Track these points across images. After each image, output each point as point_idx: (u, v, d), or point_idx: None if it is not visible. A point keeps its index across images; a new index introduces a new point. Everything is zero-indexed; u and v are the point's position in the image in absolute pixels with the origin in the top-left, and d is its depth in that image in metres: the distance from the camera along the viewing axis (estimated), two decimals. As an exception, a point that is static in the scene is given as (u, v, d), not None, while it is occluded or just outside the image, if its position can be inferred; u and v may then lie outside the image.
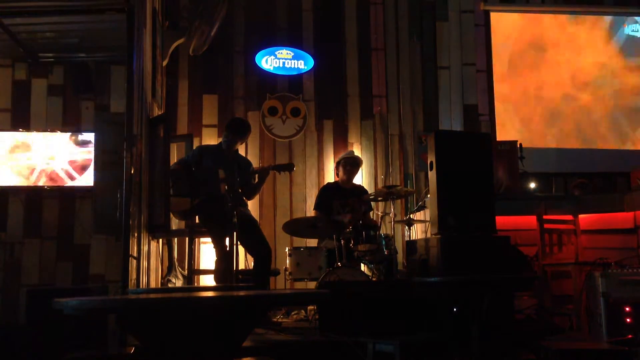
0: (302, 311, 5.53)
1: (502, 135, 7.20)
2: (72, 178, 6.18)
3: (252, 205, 6.14)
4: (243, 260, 5.68)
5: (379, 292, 4.42)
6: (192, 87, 7.04)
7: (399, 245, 6.25)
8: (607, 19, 7.80)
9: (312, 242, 6.05)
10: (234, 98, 7.08)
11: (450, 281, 4.00)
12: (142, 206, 4.94)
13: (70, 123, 6.44)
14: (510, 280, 4.13)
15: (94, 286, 5.68)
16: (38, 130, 6.27)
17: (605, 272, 4.44)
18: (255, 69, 7.13)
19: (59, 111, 6.47)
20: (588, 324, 4.61)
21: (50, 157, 6.17)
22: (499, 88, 7.46)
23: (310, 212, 6.50)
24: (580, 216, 5.34)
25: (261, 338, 4.21)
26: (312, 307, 5.09)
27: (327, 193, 6.05)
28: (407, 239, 5.67)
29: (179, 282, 5.76)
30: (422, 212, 6.03)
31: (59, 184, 6.15)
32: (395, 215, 5.65)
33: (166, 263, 5.98)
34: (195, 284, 5.80)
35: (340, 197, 5.92)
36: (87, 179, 6.17)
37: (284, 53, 7.15)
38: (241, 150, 6.31)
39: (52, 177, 6.15)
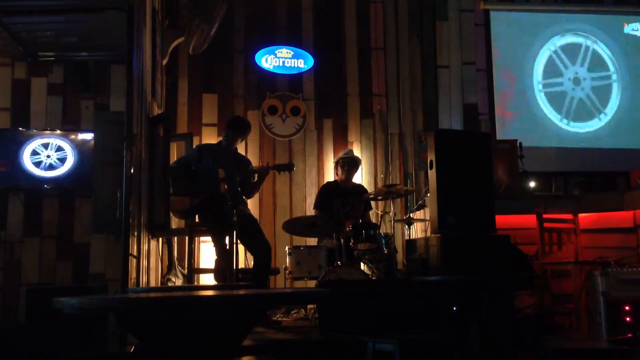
0: (302, 310, 5.53)
1: (501, 134, 7.21)
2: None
3: (252, 204, 6.14)
4: (243, 259, 5.68)
5: (378, 291, 4.42)
6: (191, 86, 7.04)
7: (399, 244, 6.25)
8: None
9: (312, 241, 6.05)
10: (233, 97, 7.08)
11: (450, 280, 4.01)
12: (141, 205, 4.94)
13: (70, 122, 6.43)
14: (510, 279, 4.13)
15: (94, 285, 5.68)
16: (38, 129, 6.27)
17: (605, 271, 4.45)
18: (255, 68, 7.12)
19: (59, 110, 6.46)
20: (588, 323, 4.62)
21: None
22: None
23: (310, 211, 6.50)
24: (580, 215, 5.34)
25: (261, 337, 4.21)
26: (312, 306, 5.09)
27: (326, 192, 6.05)
28: (407, 238, 5.68)
29: (178, 281, 5.76)
30: (421, 211, 6.03)
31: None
32: (395, 214, 5.65)
33: (166, 262, 5.99)
34: (195, 283, 5.80)
35: (340, 197, 5.92)
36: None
37: (284, 52, 7.15)
38: (241, 149, 6.32)
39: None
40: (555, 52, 7.64)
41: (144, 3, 5.16)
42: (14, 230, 6.15)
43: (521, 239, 5.14)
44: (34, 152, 6.15)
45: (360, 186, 6.31)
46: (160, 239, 5.84)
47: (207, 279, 6.01)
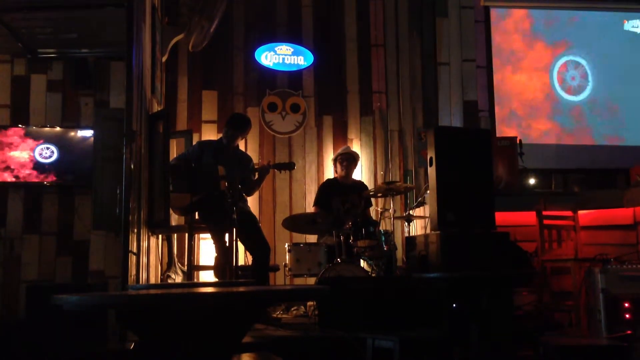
0: (302, 307, 5.54)
1: (501, 130, 7.21)
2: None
3: (252, 202, 6.14)
4: (242, 256, 5.68)
5: (378, 288, 4.43)
6: (191, 83, 7.03)
7: (399, 241, 6.26)
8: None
9: (312, 238, 6.05)
10: (233, 94, 7.08)
11: (450, 277, 4.01)
12: (141, 202, 4.94)
13: (69, 119, 6.43)
14: (509, 276, 4.13)
15: (94, 282, 5.69)
16: (37, 125, 6.27)
17: (605, 268, 4.45)
18: (255, 65, 7.12)
19: (58, 107, 6.46)
20: (587, 320, 4.62)
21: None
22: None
23: (310, 208, 6.50)
24: (580, 212, 5.34)
25: (261, 334, 4.21)
26: (312, 303, 5.09)
27: (326, 189, 6.05)
28: (406, 235, 5.68)
29: (178, 278, 5.76)
30: (421, 208, 6.04)
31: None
32: (394, 211, 5.65)
33: (166, 259, 5.99)
34: (195, 280, 5.81)
35: (339, 194, 5.92)
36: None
37: (284, 49, 7.14)
38: (241, 146, 6.31)
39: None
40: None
41: (144, 0, 5.15)
42: (14, 226, 6.16)
43: (521, 236, 5.14)
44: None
45: (360, 183, 6.31)
46: (160, 236, 5.84)
47: (207, 276, 6.02)
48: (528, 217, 5.22)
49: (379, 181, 6.80)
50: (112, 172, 5.76)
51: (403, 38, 7.42)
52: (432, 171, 4.28)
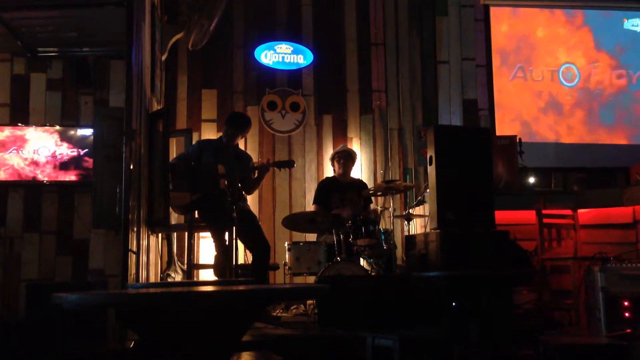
0: (302, 305, 5.54)
1: (501, 130, 7.21)
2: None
3: (252, 200, 6.14)
4: (242, 254, 5.68)
5: (378, 286, 4.43)
6: (191, 81, 7.03)
7: (398, 240, 6.26)
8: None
9: (312, 237, 6.05)
10: (233, 93, 7.08)
11: (450, 276, 4.01)
12: (141, 201, 4.94)
13: (69, 118, 6.43)
14: (509, 275, 4.13)
15: (94, 281, 5.68)
16: (37, 125, 6.26)
17: (604, 266, 4.44)
18: (255, 64, 7.12)
19: (58, 106, 6.46)
20: (587, 318, 4.62)
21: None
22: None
23: (310, 206, 6.50)
24: (580, 211, 5.34)
25: (260, 332, 4.21)
26: (311, 301, 5.10)
27: (325, 187, 6.05)
28: (406, 233, 5.68)
29: (178, 277, 5.76)
30: (421, 206, 6.04)
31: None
32: (394, 210, 5.65)
33: (166, 258, 5.99)
34: (195, 279, 5.81)
35: (338, 191, 5.92)
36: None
37: (284, 48, 7.14)
38: (241, 145, 6.31)
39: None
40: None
41: (144, -2, 5.15)
42: (14, 225, 6.16)
43: (520, 235, 5.14)
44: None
45: (359, 181, 6.31)
46: (160, 235, 5.84)
47: (207, 275, 6.02)
48: (528, 216, 5.22)
49: (379, 180, 6.80)
50: (112, 170, 5.75)
51: (403, 37, 7.41)
52: (431, 170, 4.28)
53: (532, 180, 6.30)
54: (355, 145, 7.00)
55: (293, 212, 6.58)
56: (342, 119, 7.18)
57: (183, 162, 5.35)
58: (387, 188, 5.57)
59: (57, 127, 6.28)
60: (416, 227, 6.20)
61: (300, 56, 7.15)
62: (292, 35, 7.23)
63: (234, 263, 4.70)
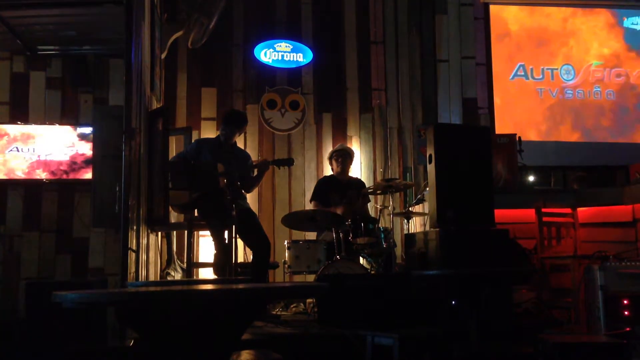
0: (301, 304, 5.54)
1: (501, 128, 7.21)
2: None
3: (251, 198, 6.14)
4: (242, 253, 5.68)
5: (377, 285, 4.43)
6: (190, 80, 7.03)
7: (398, 239, 6.26)
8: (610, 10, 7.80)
9: (311, 235, 6.05)
10: (232, 91, 7.07)
11: (449, 274, 4.01)
12: (141, 199, 4.94)
13: (68, 116, 6.43)
14: (508, 273, 4.14)
15: (93, 279, 5.68)
16: (37, 123, 6.26)
17: (604, 265, 4.44)
18: (254, 62, 7.11)
19: (58, 104, 6.46)
20: (586, 317, 4.62)
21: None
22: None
23: (309, 205, 6.49)
24: (579, 209, 5.34)
25: (260, 331, 4.22)
26: (311, 300, 5.10)
27: (324, 185, 6.04)
28: (405, 232, 5.68)
29: (178, 275, 5.76)
30: (420, 205, 6.04)
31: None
32: (394, 208, 5.65)
33: (165, 256, 5.99)
34: (195, 277, 5.81)
35: (337, 190, 5.91)
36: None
37: (283, 46, 7.14)
38: (240, 143, 6.31)
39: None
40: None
41: (143, -4, 5.15)
42: (14, 224, 6.16)
43: (520, 233, 5.14)
44: None
45: (357, 179, 6.31)
46: (160, 233, 5.84)
47: (206, 273, 6.02)
48: (527, 214, 5.23)
49: (378, 178, 6.80)
50: (111, 169, 5.76)
51: (402, 35, 7.41)
52: (431, 168, 4.28)
53: (531, 178, 6.31)
54: (354, 144, 7.00)
55: (293, 210, 6.57)
56: (341, 117, 7.18)
57: (182, 161, 5.34)
58: (386, 186, 5.57)
59: (57, 125, 6.27)
60: (416, 225, 6.20)
61: (300, 54, 7.15)
62: (292, 34, 7.23)
63: (233, 261, 4.70)
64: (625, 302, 4.33)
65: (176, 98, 6.95)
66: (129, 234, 4.48)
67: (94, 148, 6.08)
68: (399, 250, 5.91)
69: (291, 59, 7.14)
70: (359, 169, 6.97)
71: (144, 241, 5.01)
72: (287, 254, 5.39)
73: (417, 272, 4.32)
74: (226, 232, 4.77)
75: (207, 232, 5.49)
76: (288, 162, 5.32)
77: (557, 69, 7.60)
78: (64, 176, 6.19)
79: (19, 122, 6.23)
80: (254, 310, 2.50)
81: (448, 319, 3.98)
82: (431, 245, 4.18)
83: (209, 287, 2.70)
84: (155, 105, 5.97)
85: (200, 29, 6.58)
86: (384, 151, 7.15)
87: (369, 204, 6.21)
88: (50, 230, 6.21)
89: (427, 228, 5.19)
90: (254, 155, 6.11)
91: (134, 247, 4.61)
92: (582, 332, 4.54)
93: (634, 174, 5.87)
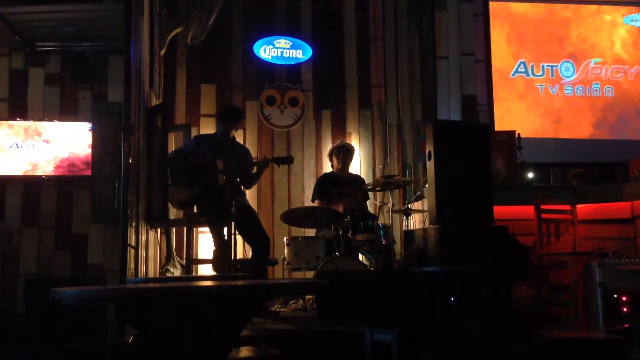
0: (300, 300, 5.54)
1: (500, 125, 7.21)
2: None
3: (251, 195, 6.14)
4: (241, 249, 5.68)
5: (376, 281, 4.43)
6: (190, 76, 7.01)
7: (397, 235, 6.26)
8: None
9: (310, 232, 6.06)
10: (232, 88, 7.06)
11: (448, 271, 4.02)
12: (140, 196, 4.94)
13: (67, 112, 6.41)
14: (507, 270, 4.15)
15: (93, 275, 5.69)
16: (35, 119, 6.25)
17: (603, 262, 4.45)
18: (254, 59, 7.10)
19: (57, 100, 6.44)
20: (585, 313, 4.63)
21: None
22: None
23: (309, 201, 6.50)
24: (578, 206, 5.34)
25: (259, 327, 4.22)
26: (310, 296, 5.10)
27: (324, 182, 6.05)
28: (405, 228, 5.69)
29: (177, 272, 5.77)
30: (420, 202, 6.04)
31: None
32: (393, 205, 5.65)
33: (164, 252, 5.99)
34: (194, 274, 5.81)
35: (337, 187, 5.92)
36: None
37: (282, 42, 7.13)
38: (239, 140, 6.30)
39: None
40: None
41: (142, -7, 5.14)
42: (12, 220, 6.15)
43: (519, 230, 5.15)
44: None
45: (357, 176, 6.31)
46: (159, 230, 5.84)
47: (206, 270, 6.01)
48: (526, 211, 5.23)
49: (378, 175, 6.80)
50: (110, 165, 5.76)
51: (402, 32, 7.40)
52: (430, 165, 4.29)
53: (530, 175, 6.32)
54: (354, 141, 7.00)
55: (292, 207, 6.58)
56: (341, 114, 7.17)
57: (181, 157, 5.34)
58: (385, 183, 5.57)
59: (55, 122, 6.27)
60: (415, 222, 6.21)
61: (299, 51, 7.14)
62: (291, 30, 7.21)
63: (232, 258, 4.71)
64: (623, 298, 4.34)
65: (175, 94, 6.94)
66: (128, 231, 4.49)
67: (93, 144, 6.09)
68: (398, 247, 5.91)
69: (290, 55, 7.13)
70: (358, 166, 6.97)
71: (143, 237, 5.02)
72: (286, 251, 5.40)
73: (416, 269, 4.33)
74: (225, 229, 4.78)
75: (207, 229, 5.49)
76: (287, 160, 5.33)
77: (557, 65, 7.60)
78: (63, 172, 6.18)
79: (17, 119, 6.22)
80: (253, 307, 2.50)
81: (447, 315, 3.99)
82: (430, 242, 4.19)
83: (208, 283, 2.70)
84: (154, 101, 5.96)
85: (199, 26, 6.57)
86: (383, 148, 7.14)
87: (368, 201, 6.22)
88: (49, 226, 6.20)
89: (426, 225, 5.20)
90: (253, 152, 6.09)
91: (133, 244, 4.61)
92: (580, 328, 4.55)
93: (633, 171, 5.87)
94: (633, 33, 7.80)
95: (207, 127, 6.80)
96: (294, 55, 7.13)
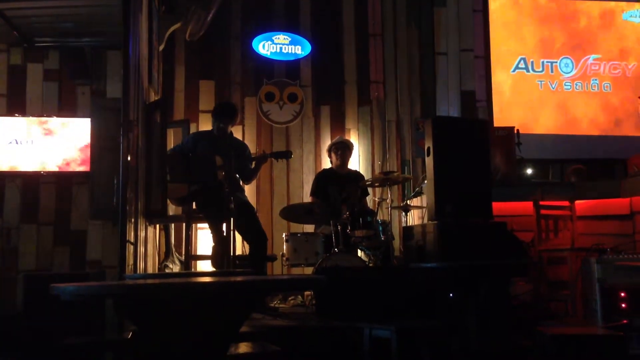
0: (299, 296, 5.55)
1: (499, 121, 7.20)
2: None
3: (249, 191, 6.14)
4: (240, 245, 5.68)
5: (375, 277, 4.44)
6: (188, 72, 7.00)
7: (396, 232, 6.26)
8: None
9: (309, 228, 6.06)
10: (230, 84, 7.05)
11: (447, 267, 4.02)
12: (138, 192, 4.93)
13: (66, 108, 6.40)
14: (506, 266, 4.14)
15: (91, 272, 5.69)
16: (34, 115, 6.24)
17: (601, 258, 4.46)
18: (252, 55, 7.09)
19: (55, 96, 6.44)
20: (583, 309, 4.64)
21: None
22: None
23: (307, 198, 6.50)
24: (577, 202, 5.35)
25: (258, 323, 4.22)
26: (309, 292, 5.11)
27: (322, 179, 6.05)
28: (403, 225, 5.69)
29: (176, 268, 5.77)
30: (418, 198, 6.04)
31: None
32: (392, 201, 5.65)
33: (163, 249, 5.99)
34: (193, 270, 5.81)
35: (336, 183, 5.91)
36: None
37: (281, 38, 7.12)
38: (238, 136, 6.30)
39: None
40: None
41: (141, -12, 5.12)
42: (11, 216, 6.15)
43: (518, 226, 5.15)
44: None
45: (356, 172, 6.31)
46: (158, 226, 5.84)
47: (205, 266, 6.02)
48: (525, 207, 5.23)
49: (377, 171, 6.80)
50: (109, 162, 5.75)
51: (401, 28, 7.39)
52: (429, 161, 4.28)
53: (529, 171, 6.31)
54: (353, 137, 6.99)
55: (291, 203, 6.58)
56: (339, 110, 7.16)
57: (180, 154, 5.33)
58: (384, 179, 5.56)
59: (54, 118, 6.26)
60: (414, 218, 6.20)
61: (298, 47, 7.13)
62: (290, 26, 7.20)
63: (231, 254, 4.71)
64: (622, 294, 4.35)
65: (174, 90, 6.93)
66: (127, 227, 4.48)
67: (92, 140, 6.08)
68: (397, 243, 5.92)
69: (289, 51, 7.12)
70: (357, 162, 6.97)
71: (142, 234, 5.01)
72: (285, 247, 5.40)
73: (415, 265, 4.32)
74: (224, 225, 4.77)
75: (206, 225, 5.49)
76: (286, 154, 5.32)
77: (556, 61, 7.59)
78: (62, 168, 6.18)
79: (16, 114, 6.22)
80: (252, 303, 2.50)
81: (446, 311, 3.99)
82: (429, 238, 4.19)
83: (207, 279, 2.71)
84: (153, 97, 5.95)
85: (198, 21, 6.55)
86: (382, 144, 7.14)
87: (367, 197, 6.22)
88: (48, 222, 6.20)
89: (425, 221, 5.19)
90: (252, 148, 6.10)
91: (132, 240, 4.61)
92: (579, 324, 4.56)
93: (632, 167, 5.87)
94: (632, 29, 7.79)
95: (206, 123, 6.79)
96: (293, 51, 7.12)
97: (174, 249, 5.96)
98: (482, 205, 4.28)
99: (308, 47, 7.15)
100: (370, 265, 5.25)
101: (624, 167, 6.58)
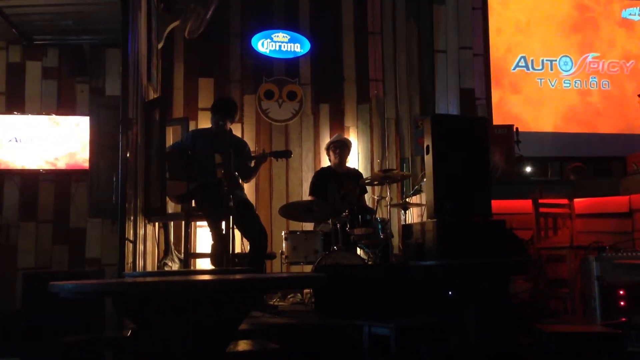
0: (298, 294, 5.55)
1: (498, 119, 7.21)
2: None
3: (249, 189, 6.14)
4: (239, 243, 5.68)
5: (374, 275, 4.43)
6: (187, 70, 7.00)
7: (395, 229, 6.26)
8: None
9: (309, 226, 6.06)
10: (230, 81, 7.05)
11: (446, 265, 4.02)
12: (138, 190, 4.93)
13: (65, 106, 6.40)
14: (505, 264, 4.15)
15: (91, 269, 5.69)
16: (33, 113, 6.24)
17: (600, 256, 4.46)
18: (252, 52, 7.08)
19: (54, 94, 6.44)
20: (582, 307, 4.64)
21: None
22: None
23: (307, 195, 6.50)
24: (576, 200, 5.35)
25: (257, 321, 4.22)
26: (308, 290, 5.10)
27: (321, 177, 6.04)
28: (403, 222, 5.68)
29: (175, 266, 5.77)
30: (418, 196, 6.04)
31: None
32: (391, 199, 5.65)
33: (162, 246, 5.99)
34: (192, 268, 5.81)
35: (334, 181, 5.91)
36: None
37: (281, 36, 7.11)
38: (237, 134, 6.29)
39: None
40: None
41: (139, -14, 5.11)
42: (10, 214, 6.15)
43: (517, 224, 5.15)
44: None
45: (354, 170, 6.31)
46: (157, 224, 5.84)
47: (204, 264, 6.02)
48: (524, 205, 5.23)
49: (376, 169, 6.80)
50: (108, 159, 5.75)
51: (400, 25, 7.39)
52: (428, 159, 4.28)
53: (528, 169, 6.31)
54: (352, 135, 6.99)
55: (290, 201, 6.58)
56: (339, 108, 7.16)
57: (179, 151, 5.33)
58: (383, 177, 5.56)
59: (53, 115, 6.25)
60: (413, 216, 6.20)
61: (297, 45, 7.12)
62: (289, 24, 7.19)
63: (230, 252, 4.71)
64: (621, 292, 4.36)
65: (173, 88, 6.92)
66: (126, 225, 4.48)
67: (91, 138, 6.08)
68: (396, 241, 5.92)
69: (288, 49, 7.11)
70: (356, 160, 6.97)
71: (141, 232, 5.01)
72: (284, 245, 5.40)
73: (414, 263, 4.32)
74: (223, 223, 4.77)
75: (205, 223, 5.49)
76: (286, 154, 5.31)
77: (556, 60, 7.59)
78: (61, 166, 6.17)
79: (15, 112, 6.21)
80: (251, 301, 2.50)
81: (445, 309, 4.00)
82: (428, 236, 4.19)
83: (206, 277, 2.70)
84: (152, 95, 5.95)
85: (197, 19, 6.54)
86: (382, 142, 7.14)
87: (366, 195, 6.22)
88: (47, 220, 6.20)
89: (424, 219, 5.20)
90: (251, 146, 6.09)
91: (131, 238, 4.61)
92: (578, 322, 4.56)
93: (631, 165, 5.88)
94: (630, 27, 7.79)
95: (205, 121, 6.77)
96: (292, 49, 7.11)
97: (173, 247, 5.96)
98: (481, 203, 4.28)
99: (307, 45, 7.14)
100: (370, 263, 5.25)
101: (623, 165, 6.58)
